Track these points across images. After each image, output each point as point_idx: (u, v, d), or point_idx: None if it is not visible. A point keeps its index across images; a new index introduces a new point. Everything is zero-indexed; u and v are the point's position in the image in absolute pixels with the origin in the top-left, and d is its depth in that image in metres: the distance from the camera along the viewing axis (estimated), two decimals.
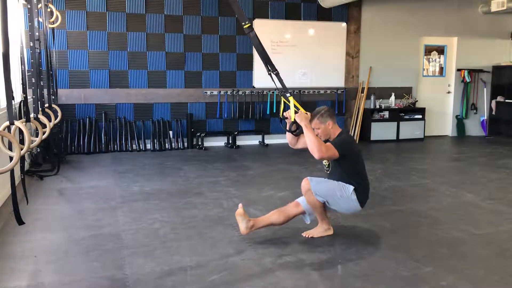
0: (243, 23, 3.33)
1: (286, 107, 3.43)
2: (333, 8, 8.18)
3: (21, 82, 4.29)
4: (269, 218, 3.50)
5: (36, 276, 2.94)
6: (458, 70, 9.17)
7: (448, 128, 9.42)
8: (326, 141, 3.48)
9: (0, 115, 4.53)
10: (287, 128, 3.43)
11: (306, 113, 3.33)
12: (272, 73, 3.36)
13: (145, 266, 3.04)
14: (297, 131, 3.38)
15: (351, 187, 3.40)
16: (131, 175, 5.70)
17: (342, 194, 3.39)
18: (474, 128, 9.45)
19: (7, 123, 2.79)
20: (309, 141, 3.24)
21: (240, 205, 3.48)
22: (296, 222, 3.90)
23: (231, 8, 3.43)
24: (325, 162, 3.60)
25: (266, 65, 3.36)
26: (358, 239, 3.58)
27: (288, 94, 3.33)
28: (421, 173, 5.90)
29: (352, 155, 3.43)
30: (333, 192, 3.39)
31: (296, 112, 3.29)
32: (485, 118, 9.40)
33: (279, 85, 3.34)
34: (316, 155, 3.21)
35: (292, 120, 3.30)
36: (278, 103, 8.04)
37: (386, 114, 8.54)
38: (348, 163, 3.42)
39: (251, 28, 3.32)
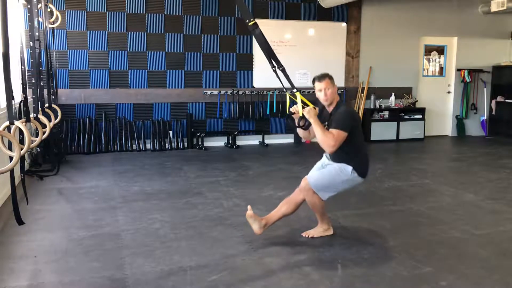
0: (247, 21, 3.32)
1: (292, 103, 3.43)
2: (333, 8, 8.18)
3: (21, 82, 4.29)
4: (279, 211, 3.51)
5: (36, 276, 2.94)
6: (458, 70, 9.17)
7: (448, 128, 9.42)
8: (327, 108, 3.48)
9: (0, 115, 4.53)
10: (296, 124, 3.42)
11: (315, 108, 3.34)
12: (277, 69, 3.36)
13: (145, 266, 3.04)
14: (305, 125, 3.38)
15: (349, 168, 3.38)
16: (131, 175, 5.70)
17: (343, 178, 3.39)
18: (474, 128, 9.45)
19: (7, 123, 2.78)
20: (319, 136, 3.28)
21: (248, 207, 3.47)
22: (296, 222, 3.91)
23: (235, 5, 3.43)
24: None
25: (270, 62, 3.35)
26: (358, 239, 3.58)
27: (294, 90, 3.33)
28: (421, 173, 5.90)
29: (353, 129, 3.36)
30: (334, 182, 3.39)
31: (303, 107, 3.30)
32: (485, 118, 9.40)
33: (284, 81, 3.33)
34: (328, 150, 3.29)
35: (300, 115, 3.31)
36: (278, 103, 8.05)
37: (386, 114, 8.54)
38: (348, 138, 3.31)
39: (255, 25, 3.31)
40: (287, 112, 3.46)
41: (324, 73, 3.48)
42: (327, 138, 3.25)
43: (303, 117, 3.31)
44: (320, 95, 3.44)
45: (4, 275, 2.91)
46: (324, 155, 3.64)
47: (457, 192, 4.96)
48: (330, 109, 3.48)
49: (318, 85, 3.43)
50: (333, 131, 3.28)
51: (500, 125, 9.22)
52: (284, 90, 3.42)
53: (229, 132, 7.93)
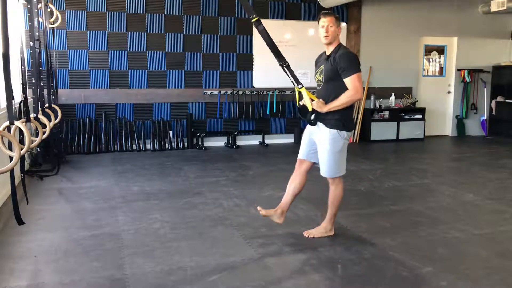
0: (250, 17, 3.34)
1: (301, 96, 3.44)
2: (333, 8, 8.17)
3: (21, 82, 4.29)
4: (289, 193, 3.56)
5: (36, 276, 2.94)
6: (458, 70, 9.17)
7: (448, 128, 9.42)
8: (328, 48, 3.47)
9: (0, 115, 4.53)
10: (307, 119, 3.43)
11: (319, 100, 3.35)
12: (283, 66, 3.37)
13: (145, 266, 3.04)
14: (315, 119, 3.40)
15: (334, 131, 3.34)
16: (131, 175, 5.70)
17: (340, 146, 3.37)
18: (474, 128, 9.45)
19: (7, 123, 2.79)
20: (345, 104, 3.29)
21: (258, 208, 3.55)
22: (297, 222, 3.91)
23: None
24: (318, 79, 3.51)
25: (276, 57, 3.38)
26: (358, 239, 3.58)
27: (300, 85, 3.33)
28: (421, 173, 5.90)
29: None
30: (337, 155, 3.39)
31: (311, 101, 3.31)
32: (485, 118, 9.40)
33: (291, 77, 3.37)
34: (360, 97, 3.32)
35: (310, 110, 3.32)
36: (278, 103, 8.05)
37: (386, 114, 8.54)
38: (340, 87, 3.32)
39: (259, 21, 3.32)
40: (298, 106, 3.49)
41: (332, 12, 3.42)
42: (349, 97, 3.27)
43: (313, 111, 3.32)
44: (321, 31, 3.38)
45: (4, 275, 2.91)
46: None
47: (457, 192, 4.96)
48: (329, 49, 3.43)
49: (322, 21, 3.39)
50: (347, 80, 3.26)
51: (500, 125, 9.22)
52: (294, 85, 3.40)
53: (229, 132, 7.93)
